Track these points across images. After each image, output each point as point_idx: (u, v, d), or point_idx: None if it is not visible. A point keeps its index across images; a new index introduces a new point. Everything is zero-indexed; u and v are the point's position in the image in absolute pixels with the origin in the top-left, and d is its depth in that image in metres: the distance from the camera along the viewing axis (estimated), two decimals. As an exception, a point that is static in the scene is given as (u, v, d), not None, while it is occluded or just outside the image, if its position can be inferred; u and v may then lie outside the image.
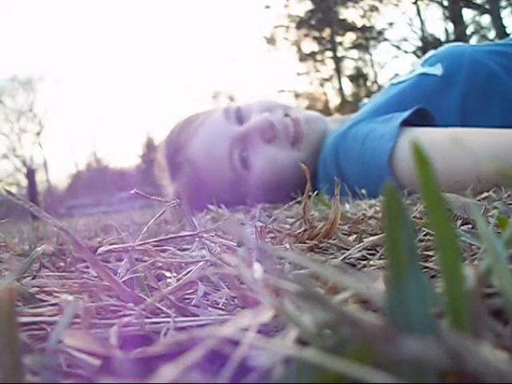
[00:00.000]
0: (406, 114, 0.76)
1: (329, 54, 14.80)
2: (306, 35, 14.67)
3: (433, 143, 0.67)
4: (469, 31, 11.62)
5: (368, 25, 14.08)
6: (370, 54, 14.71)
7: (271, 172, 0.93)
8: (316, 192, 0.46)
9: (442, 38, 12.17)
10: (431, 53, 0.97)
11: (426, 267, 0.24)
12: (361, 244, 0.31)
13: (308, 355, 0.10)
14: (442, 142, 0.67)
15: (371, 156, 0.77)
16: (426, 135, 0.70)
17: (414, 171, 0.12)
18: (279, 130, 0.94)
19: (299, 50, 14.92)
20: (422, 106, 0.79)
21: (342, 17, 14.35)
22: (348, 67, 15.15)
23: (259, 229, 0.33)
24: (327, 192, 0.70)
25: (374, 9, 13.86)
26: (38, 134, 18.14)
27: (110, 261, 0.36)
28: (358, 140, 0.81)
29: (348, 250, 0.31)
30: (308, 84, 15.41)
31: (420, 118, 0.78)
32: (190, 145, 0.98)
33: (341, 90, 14.76)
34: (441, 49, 0.97)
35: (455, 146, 0.65)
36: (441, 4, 12.06)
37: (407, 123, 0.76)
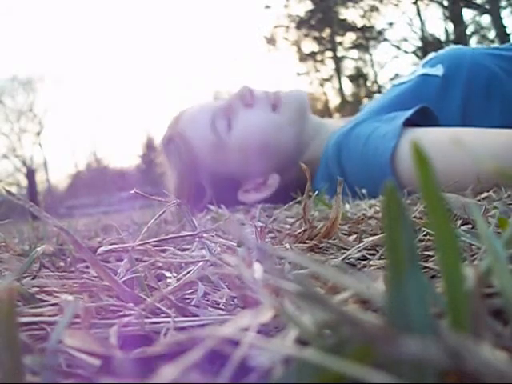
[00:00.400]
0: (408, 112, 0.76)
1: (329, 53, 14.79)
2: (306, 35, 14.66)
3: (434, 143, 0.67)
4: (469, 31, 11.61)
5: (368, 25, 14.07)
6: (370, 54, 14.71)
7: (254, 134, 0.95)
8: (316, 193, 0.46)
9: (442, 38, 12.17)
10: (432, 55, 0.98)
11: (425, 267, 0.24)
12: (361, 244, 0.31)
13: (308, 355, 0.10)
14: (443, 142, 0.67)
15: (373, 155, 0.78)
16: (428, 135, 0.70)
17: (415, 171, 0.12)
18: (258, 95, 0.98)
19: (299, 50, 14.92)
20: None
21: (342, 17, 14.35)
22: (348, 67, 15.16)
23: (259, 229, 0.33)
24: (327, 192, 0.70)
25: (374, 9, 13.86)
26: (38, 134, 18.15)
27: (110, 261, 0.36)
28: (361, 139, 0.82)
29: (348, 250, 0.31)
30: (308, 84, 15.40)
31: (423, 117, 0.78)
32: (179, 122, 1.04)
33: (341, 89, 14.76)
34: (442, 51, 0.98)
35: (456, 145, 0.65)
36: (441, 4, 12.05)
37: (410, 123, 0.76)
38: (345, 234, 0.38)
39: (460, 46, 1.02)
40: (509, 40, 8.91)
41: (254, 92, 0.98)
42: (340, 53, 14.70)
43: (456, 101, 0.86)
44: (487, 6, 10.62)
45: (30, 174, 17.14)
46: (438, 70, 0.89)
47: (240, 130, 0.96)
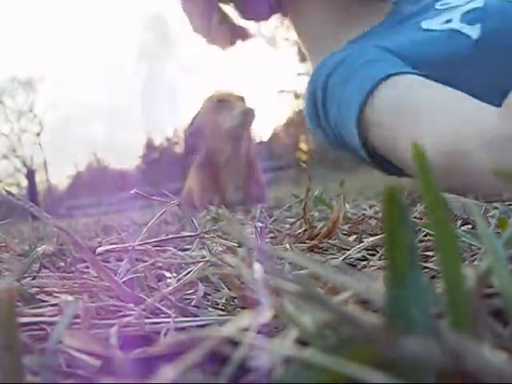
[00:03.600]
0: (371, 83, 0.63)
1: (329, 54, 14.77)
2: (306, 35, 14.65)
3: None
4: (469, 31, 11.61)
5: (368, 25, 14.04)
6: (370, 55, 14.68)
7: None
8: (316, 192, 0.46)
9: (442, 38, 12.16)
10: (479, 1, 0.72)
11: (425, 267, 0.24)
12: (361, 244, 0.31)
13: (308, 355, 0.10)
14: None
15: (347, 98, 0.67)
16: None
17: (415, 171, 0.12)
18: None
19: (300, 50, 14.91)
20: (442, 72, 0.64)
21: (342, 17, 14.33)
22: (348, 67, 15.13)
23: (259, 229, 0.33)
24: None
25: (374, 9, 13.85)
26: (38, 134, 18.14)
27: (110, 261, 0.36)
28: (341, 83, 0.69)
29: (348, 250, 0.31)
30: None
31: None
32: None
33: (341, 90, 14.73)
34: (491, 1, 0.72)
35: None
36: (441, 4, 12.04)
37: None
38: (345, 234, 0.38)
39: None
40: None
41: None
42: (340, 53, 14.68)
43: (487, 73, 0.68)
44: (487, 6, 10.61)
45: (30, 175, 17.13)
46: (474, 30, 0.69)
47: None
